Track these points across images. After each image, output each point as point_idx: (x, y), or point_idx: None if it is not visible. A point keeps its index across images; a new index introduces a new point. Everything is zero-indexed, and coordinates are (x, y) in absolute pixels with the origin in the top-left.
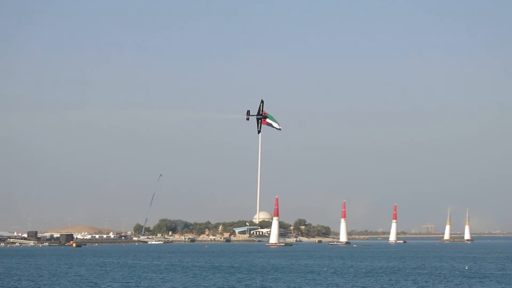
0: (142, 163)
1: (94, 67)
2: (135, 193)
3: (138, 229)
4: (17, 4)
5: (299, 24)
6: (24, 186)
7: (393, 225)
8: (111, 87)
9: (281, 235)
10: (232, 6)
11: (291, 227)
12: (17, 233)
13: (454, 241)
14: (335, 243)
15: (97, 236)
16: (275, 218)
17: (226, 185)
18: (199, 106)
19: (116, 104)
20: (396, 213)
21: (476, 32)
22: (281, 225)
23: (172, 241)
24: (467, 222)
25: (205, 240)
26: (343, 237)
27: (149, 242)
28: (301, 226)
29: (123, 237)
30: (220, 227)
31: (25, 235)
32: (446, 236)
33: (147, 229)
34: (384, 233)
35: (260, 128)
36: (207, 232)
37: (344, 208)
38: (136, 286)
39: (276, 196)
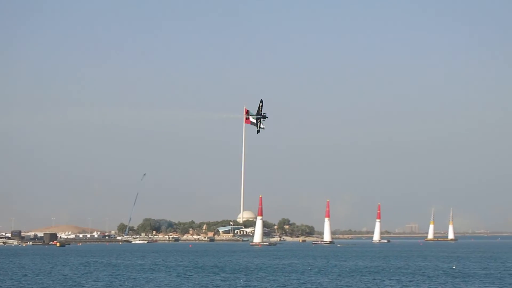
0: (126, 162)
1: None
2: (119, 193)
3: (122, 229)
4: (14, 3)
5: (298, 23)
6: (7, 185)
7: (377, 225)
8: (101, 85)
9: (265, 234)
10: (232, 6)
11: (275, 227)
12: (0, 232)
13: (438, 240)
14: (319, 242)
15: (81, 235)
16: (259, 218)
17: (210, 184)
18: (185, 105)
19: (101, 102)
20: (380, 213)
21: (476, 32)
22: (265, 225)
23: (156, 241)
24: (451, 221)
25: (189, 240)
26: (327, 237)
27: (133, 242)
28: (285, 226)
29: (107, 237)
30: (204, 226)
31: (9, 235)
32: (430, 235)
33: (131, 229)
34: (368, 232)
35: (260, 128)
36: (191, 232)
37: (328, 207)
38: (120, 285)
39: (260, 196)
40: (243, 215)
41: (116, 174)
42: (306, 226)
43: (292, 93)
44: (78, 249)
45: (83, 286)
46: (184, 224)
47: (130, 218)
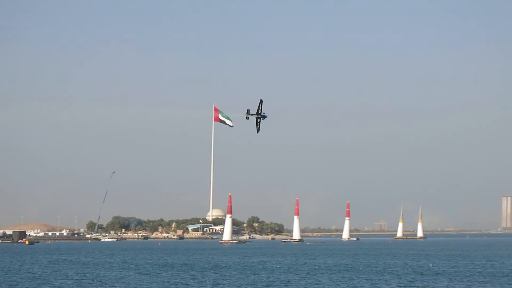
0: (95, 160)
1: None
2: (88, 190)
3: (91, 227)
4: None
5: (299, 22)
6: None
7: (346, 223)
8: (69, 83)
9: (235, 232)
10: (232, 5)
11: (245, 225)
12: None
13: (407, 238)
14: (288, 240)
15: (50, 233)
16: (228, 216)
17: (179, 182)
18: (156, 102)
19: (70, 99)
20: (349, 211)
21: (477, 32)
22: (235, 223)
23: (125, 239)
24: (420, 219)
25: (158, 238)
26: (296, 235)
27: (102, 240)
28: (254, 224)
29: (76, 235)
30: (174, 224)
31: None
32: (399, 233)
33: (100, 227)
34: (337, 230)
35: (259, 128)
36: (160, 230)
37: (297, 205)
38: (89, 283)
39: (230, 194)
40: (213, 213)
41: (85, 172)
42: (275, 224)
43: (265, 91)
44: (47, 247)
45: (52, 284)
46: (153, 222)
47: (99, 216)
